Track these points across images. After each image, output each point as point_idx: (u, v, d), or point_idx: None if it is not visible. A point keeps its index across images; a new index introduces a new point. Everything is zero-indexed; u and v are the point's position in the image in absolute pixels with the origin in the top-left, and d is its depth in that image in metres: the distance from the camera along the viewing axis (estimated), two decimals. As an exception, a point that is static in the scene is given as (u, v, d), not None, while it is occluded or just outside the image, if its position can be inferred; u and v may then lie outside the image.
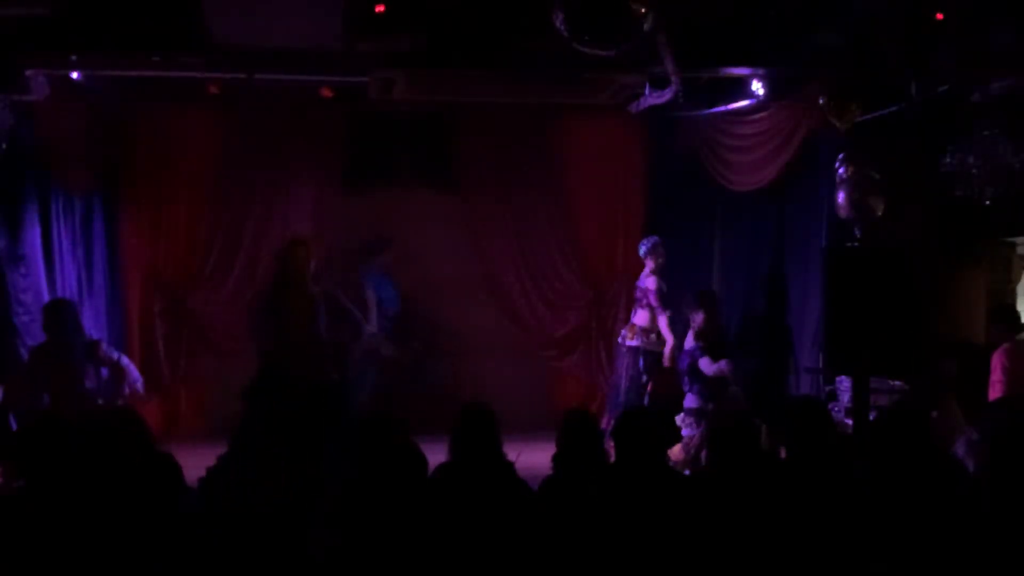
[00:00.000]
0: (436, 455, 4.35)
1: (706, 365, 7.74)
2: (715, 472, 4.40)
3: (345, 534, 3.88)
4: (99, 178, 8.94)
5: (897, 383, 6.88)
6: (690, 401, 7.83)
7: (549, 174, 9.64)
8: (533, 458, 4.75)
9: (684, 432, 7.75)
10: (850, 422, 6.58)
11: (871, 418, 6.11)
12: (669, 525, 4.02)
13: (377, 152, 9.45)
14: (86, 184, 8.85)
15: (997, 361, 6.82)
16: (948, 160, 6.77)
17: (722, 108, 8.38)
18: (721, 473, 4.27)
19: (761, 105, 8.06)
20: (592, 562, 3.94)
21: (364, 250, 9.19)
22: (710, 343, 7.84)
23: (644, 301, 8.50)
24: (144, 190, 9.18)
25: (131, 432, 4.05)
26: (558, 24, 5.45)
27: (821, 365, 7.45)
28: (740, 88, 8.02)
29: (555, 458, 4.46)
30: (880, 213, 6.91)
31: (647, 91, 7.84)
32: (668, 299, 8.41)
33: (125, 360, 7.49)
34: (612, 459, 4.49)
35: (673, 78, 7.34)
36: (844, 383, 7.04)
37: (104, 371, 7.27)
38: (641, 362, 8.44)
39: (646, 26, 5.53)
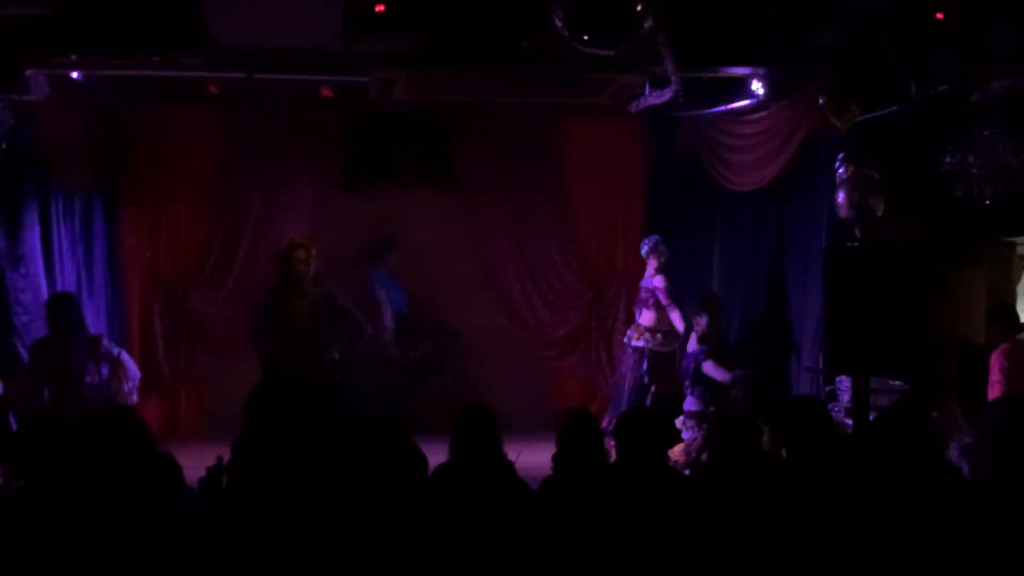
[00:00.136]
0: (436, 455, 4.35)
1: (712, 369, 7.69)
2: (716, 472, 4.41)
3: (345, 534, 3.88)
4: (99, 178, 8.94)
5: (897, 383, 6.87)
6: (690, 404, 7.79)
7: (549, 174, 9.64)
8: (533, 458, 4.75)
9: (684, 435, 7.71)
10: (850, 422, 6.58)
11: (871, 418, 6.12)
12: (669, 525, 4.02)
13: (377, 152, 9.45)
14: (86, 184, 8.85)
15: (996, 361, 6.83)
16: (948, 160, 6.76)
17: (722, 108, 8.36)
18: (722, 473, 4.27)
19: (761, 105, 8.05)
20: (592, 562, 3.94)
21: (372, 251, 9.18)
22: (713, 347, 7.82)
23: (651, 301, 8.47)
24: (144, 190, 9.19)
25: (131, 432, 4.05)
26: (558, 24, 5.45)
27: (821, 365, 7.44)
28: (740, 88, 8.00)
29: (555, 458, 4.46)
30: (880, 213, 6.90)
31: (647, 91, 7.83)
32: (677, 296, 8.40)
33: (125, 356, 7.47)
34: (613, 459, 4.49)
35: (673, 78, 7.33)
36: (844, 383, 7.03)
37: (104, 368, 7.25)
38: (645, 363, 8.43)
39: (646, 26, 5.53)
